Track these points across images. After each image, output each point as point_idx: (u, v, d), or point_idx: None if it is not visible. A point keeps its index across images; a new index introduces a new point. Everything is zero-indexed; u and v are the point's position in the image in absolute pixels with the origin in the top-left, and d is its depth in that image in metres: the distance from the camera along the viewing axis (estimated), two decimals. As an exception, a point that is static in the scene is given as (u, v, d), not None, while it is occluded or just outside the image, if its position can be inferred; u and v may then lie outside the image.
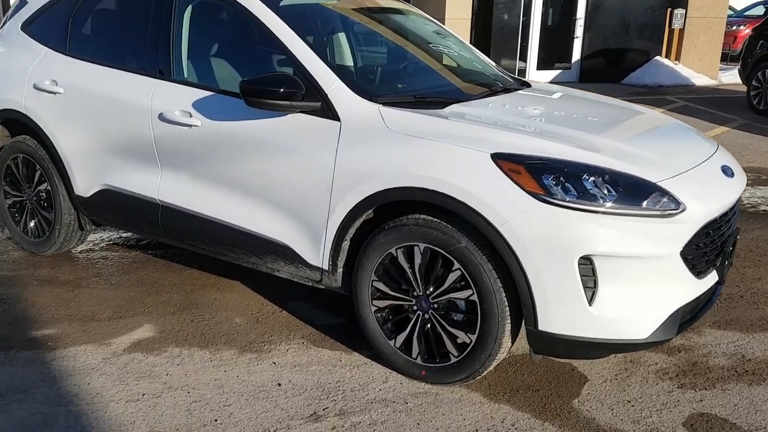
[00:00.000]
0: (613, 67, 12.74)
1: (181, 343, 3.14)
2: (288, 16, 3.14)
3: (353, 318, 3.03)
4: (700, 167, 2.76)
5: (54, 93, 3.67)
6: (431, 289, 2.73)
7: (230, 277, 3.82)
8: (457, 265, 2.62)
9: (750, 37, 10.12)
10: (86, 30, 3.77)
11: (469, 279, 2.60)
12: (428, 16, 4.23)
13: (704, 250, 2.64)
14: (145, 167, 3.43)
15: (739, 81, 11.59)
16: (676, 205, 2.48)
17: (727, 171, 2.85)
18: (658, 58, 12.84)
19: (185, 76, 3.32)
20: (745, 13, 18.01)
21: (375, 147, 2.76)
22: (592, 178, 2.46)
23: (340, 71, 3.02)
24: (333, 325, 3.33)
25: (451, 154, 2.60)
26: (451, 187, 2.55)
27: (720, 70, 13.30)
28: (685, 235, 2.50)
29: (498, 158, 2.52)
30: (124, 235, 4.51)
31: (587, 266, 2.42)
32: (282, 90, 2.82)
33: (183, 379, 2.84)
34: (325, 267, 2.97)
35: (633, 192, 2.47)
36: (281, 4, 3.23)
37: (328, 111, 2.88)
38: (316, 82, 2.91)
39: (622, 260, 2.43)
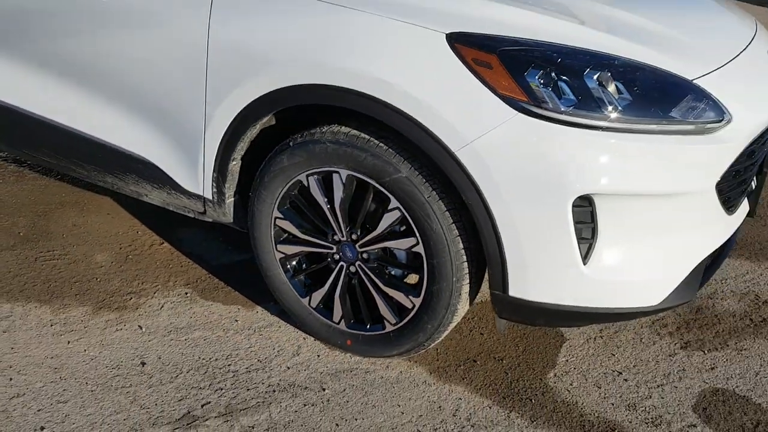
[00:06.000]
0: None
1: (16, 295, 2.26)
2: None
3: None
4: (743, 55, 1.91)
5: None
6: (358, 233, 1.90)
7: (100, 192, 2.88)
8: (394, 202, 1.77)
9: None
10: None
11: (412, 223, 1.77)
12: None
13: (743, 177, 1.87)
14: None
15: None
16: (719, 114, 1.67)
17: (774, 59, 2.02)
18: None
19: None
20: None
21: (267, 16, 1.80)
22: (597, 74, 1.60)
23: None
24: (231, 264, 2.50)
25: (385, 32, 1.68)
26: (383, 86, 1.65)
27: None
28: (727, 159, 1.71)
29: (458, 41, 1.61)
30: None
31: (584, 210, 1.61)
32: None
33: (7, 356, 1.99)
34: (208, 195, 2.08)
35: (657, 95, 1.64)
36: None
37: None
38: None
39: (634, 200, 1.63)
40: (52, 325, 2.13)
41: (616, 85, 1.61)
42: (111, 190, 2.56)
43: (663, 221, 1.69)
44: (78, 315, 2.18)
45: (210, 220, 2.20)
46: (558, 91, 1.57)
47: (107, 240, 2.59)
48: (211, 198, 2.09)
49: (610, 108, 1.58)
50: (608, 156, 1.57)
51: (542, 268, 1.66)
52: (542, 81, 1.57)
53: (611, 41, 1.67)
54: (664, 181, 1.63)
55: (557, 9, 1.78)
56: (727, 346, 2.20)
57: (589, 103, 1.58)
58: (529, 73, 1.57)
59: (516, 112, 1.56)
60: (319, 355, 2.06)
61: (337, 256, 1.97)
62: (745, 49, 1.92)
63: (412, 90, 1.62)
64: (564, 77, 1.58)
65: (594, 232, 1.63)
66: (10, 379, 1.91)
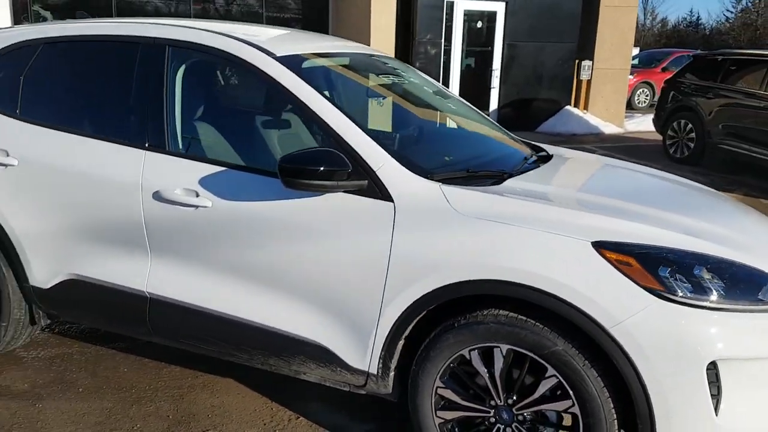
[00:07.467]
0: (528, 115, 13.01)
1: (190, 472, 2.54)
2: (313, 80, 2.70)
3: (383, 424, 2.57)
4: (784, 248, 2.56)
5: (4, 165, 2.99)
6: (515, 398, 2.33)
7: (218, 373, 3.22)
8: (551, 370, 2.24)
9: (663, 89, 10.62)
10: (44, 89, 3.11)
11: (568, 388, 2.23)
12: (425, 76, 3.90)
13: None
14: (130, 254, 2.83)
15: (643, 128, 12.25)
16: None
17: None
18: (568, 107, 13.25)
19: (184, 148, 2.78)
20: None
21: (441, 233, 2.36)
22: (701, 269, 2.19)
23: (385, 144, 2.60)
24: (365, 433, 2.84)
25: (542, 241, 2.25)
26: (546, 281, 2.19)
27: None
28: (799, 329, 2.28)
29: (602, 247, 2.20)
30: (74, 324, 3.77)
31: (711, 371, 2.12)
32: (324, 168, 2.38)
33: None
34: (373, 371, 2.50)
35: (744, 283, 2.22)
36: (303, 65, 2.79)
37: (376, 190, 2.46)
38: (362, 158, 2.48)
39: (743, 363, 2.15)
40: (236, 496, 2.41)
41: (713, 276, 2.19)
42: (227, 369, 2.94)
43: (763, 380, 2.20)
44: (256, 486, 2.47)
45: (364, 392, 2.59)
46: (679, 282, 2.14)
47: (249, 417, 2.91)
48: (375, 373, 2.50)
49: (715, 293, 2.15)
50: (724, 330, 2.11)
51: (685, 421, 2.12)
52: (669, 275, 2.14)
53: (709, 245, 2.28)
54: (763, 347, 2.17)
55: (658, 223, 2.38)
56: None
57: (700, 290, 2.14)
58: (661, 269, 2.15)
59: (656, 298, 2.11)
60: None
61: (493, 420, 2.38)
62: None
63: (571, 282, 2.16)
64: (680, 271, 2.16)
65: (719, 389, 2.12)
66: None
